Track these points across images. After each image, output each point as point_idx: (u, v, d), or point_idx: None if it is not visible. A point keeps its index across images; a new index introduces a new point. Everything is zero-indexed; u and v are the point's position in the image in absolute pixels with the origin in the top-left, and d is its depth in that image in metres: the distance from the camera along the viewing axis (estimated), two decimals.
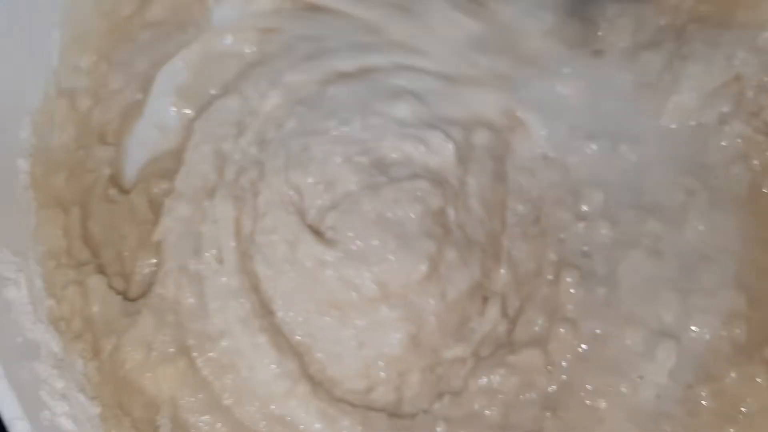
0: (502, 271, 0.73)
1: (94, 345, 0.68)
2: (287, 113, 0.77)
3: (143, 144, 0.81)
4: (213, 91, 0.82)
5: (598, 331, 0.71)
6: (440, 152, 0.73)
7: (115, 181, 0.78)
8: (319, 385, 0.69)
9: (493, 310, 0.71)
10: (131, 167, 0.80)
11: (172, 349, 0.68)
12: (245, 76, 0.81)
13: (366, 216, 0.70)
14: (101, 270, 0.72)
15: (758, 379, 0.69)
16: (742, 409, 0.69)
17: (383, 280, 0.68)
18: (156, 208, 0.76)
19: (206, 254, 0.71)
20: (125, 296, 0.72)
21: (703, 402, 0.69)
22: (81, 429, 0.61)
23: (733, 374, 0.69)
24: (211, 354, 0.69)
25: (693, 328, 0.70)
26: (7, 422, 0.57)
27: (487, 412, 0.69)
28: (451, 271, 0.70)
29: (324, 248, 0.69)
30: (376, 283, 0.68)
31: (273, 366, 0.67)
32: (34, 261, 0.68)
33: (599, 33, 0.82)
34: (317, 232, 0.70)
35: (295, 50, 0.81)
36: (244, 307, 0.69)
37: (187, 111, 0.82)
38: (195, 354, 0.69)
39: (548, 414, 0.69)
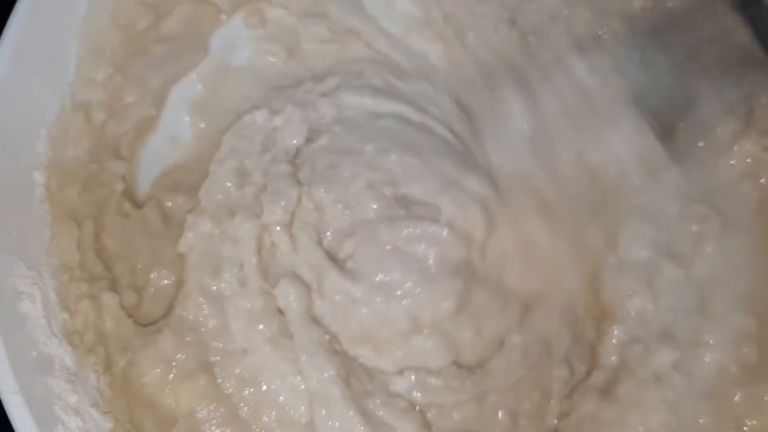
0: None
1: (106, 359, 0.68)
2: (324, 128, 0.77)
3: (156, 157, 0.82)
4: (231, 105, 0.83)
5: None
6: (471, 216, 0.72)
7: (128, 194, 0.78)
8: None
9: None
10: (144, 180, 0.80)
11: (193, 366, 0.68)
12: (280, 91, 0.82)
13: (383, 247, 0.70)
14: (114, 286, 0.72)
15: (766, 398, 0.69)
16: (745, 428, 0.69)
17: (414, 314, 0.68)
18: (169, 222, 0.76)
19: (226, 274, 0.71)
20: (138, 311, 0.72)
21: (701, 420, 0.69)
22: None
23: (738, 395, 0.70)
24: (233, 370, 0.69)
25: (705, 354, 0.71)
26: None
27: None
28: (484, 312, 0.70)
29: (350, 284, 0.69)
30: (408, 317, 0.68)
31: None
32: (48, 275, 0.68)
33: None
34: (335, 260, 0.70)
35: (366, 77, 0.82)
36: (271, 329, 0.69)
37: (202, 125, 0.83)
38: (217, 370, 0.69)
39: None
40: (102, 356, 0.68)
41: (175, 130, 0.83)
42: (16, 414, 0.58)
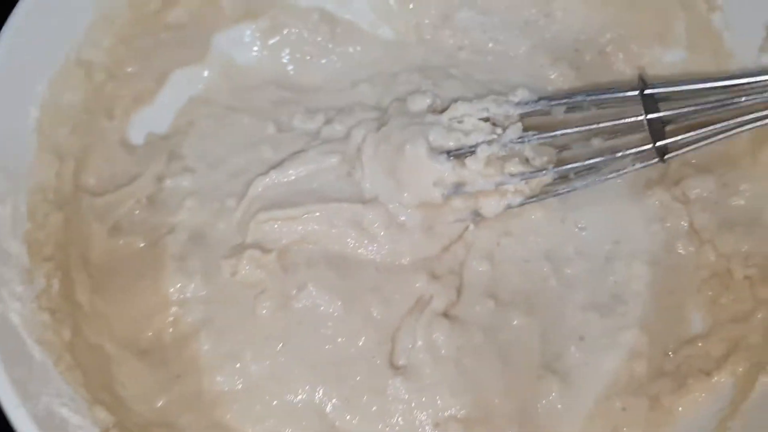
0: None
1: (63, 274, 0.71)
2: None
3: (146, 124, 0.86)
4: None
5: None
6: None
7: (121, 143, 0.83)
8: None
9: None
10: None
11: None
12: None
13: None
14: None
15: (642, 412, 0.72)
16: None
17: None
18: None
19: None
20: None
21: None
22: (25, 325, 0.64)
23: (618, 403, 0.73)
24: None
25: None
26: None
27: None
28: None
29: None
30: None
31: None
32: (23, 190, 0.71)
33: None
34: None
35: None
36: None
37: None
38: None
39: None
40: (56, 267, 0.71)
41: (170, 110, 0.87)
42: None
